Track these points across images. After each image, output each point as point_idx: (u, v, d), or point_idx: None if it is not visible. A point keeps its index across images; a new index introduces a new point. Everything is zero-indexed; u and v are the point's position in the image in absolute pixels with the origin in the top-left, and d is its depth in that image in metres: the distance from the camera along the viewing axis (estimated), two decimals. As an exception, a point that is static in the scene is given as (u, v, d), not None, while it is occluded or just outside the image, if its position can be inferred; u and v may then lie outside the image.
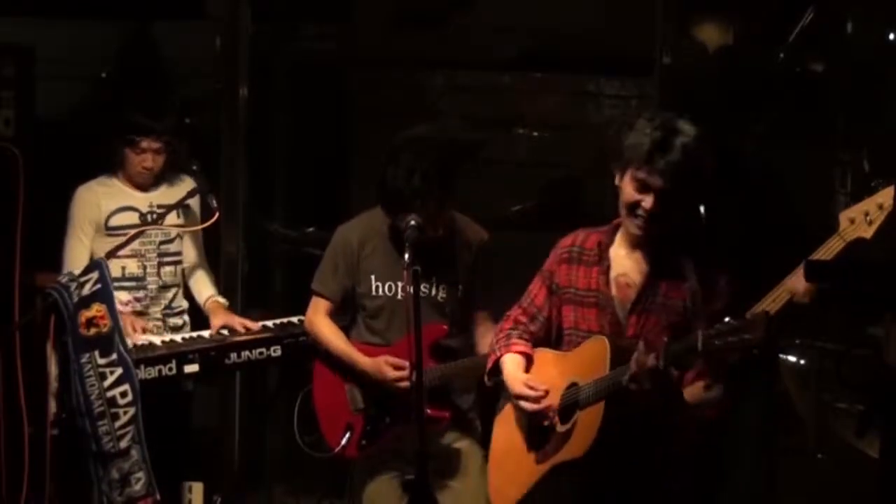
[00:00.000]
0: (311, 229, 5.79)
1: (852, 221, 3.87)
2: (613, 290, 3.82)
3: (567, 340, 3.90)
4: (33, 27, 6.04)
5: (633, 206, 3.73)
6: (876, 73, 6.16)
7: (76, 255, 4.80)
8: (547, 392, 3.83)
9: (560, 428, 3.80)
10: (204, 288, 5.12)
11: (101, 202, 4.88)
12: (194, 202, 5.05)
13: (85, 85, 6.40)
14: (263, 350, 4.85)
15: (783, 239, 4.36)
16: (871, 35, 6.22)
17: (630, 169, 3.70)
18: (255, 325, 4.97)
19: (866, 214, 3.84)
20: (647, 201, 3.69)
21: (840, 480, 5.40)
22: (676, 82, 6.11)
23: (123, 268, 4.87)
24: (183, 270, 5.09)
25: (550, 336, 3.98)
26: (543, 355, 3.96)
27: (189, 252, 5.09)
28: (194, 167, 4.98)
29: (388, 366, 4.35)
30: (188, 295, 5.15)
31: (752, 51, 6.22)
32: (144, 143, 4.86)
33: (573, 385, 3.79)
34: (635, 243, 3.83)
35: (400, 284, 4.37)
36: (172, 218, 4.97)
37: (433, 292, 4.39)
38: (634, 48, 6.52)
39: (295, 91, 6.63)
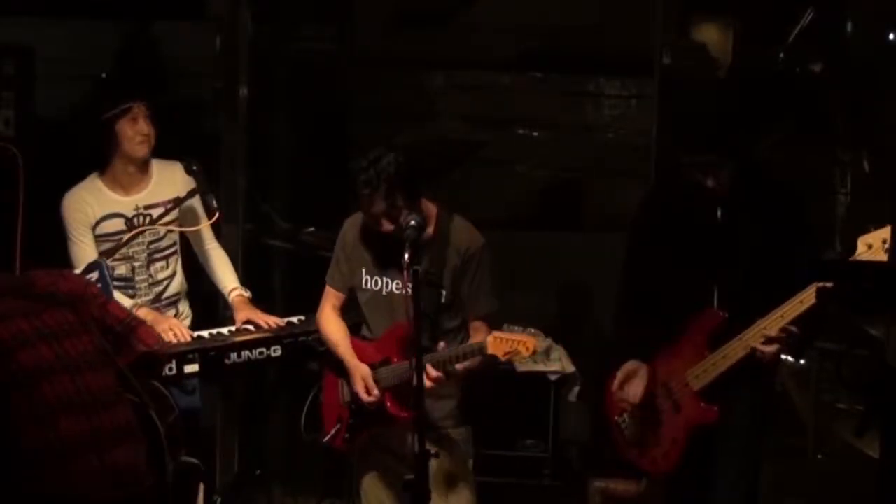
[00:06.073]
0: (310, 229, 5.78)
1: (870, 247, 3.75)
2: None
3: None
4: (33, 27, 6.04)
5: None
6: (876, 73, 6.17)
7: (85, 258, 4.77)
8: None
9: None
10: (225, 278, 5.09)
11: (90, 208, 4.87)
12: (194, 200, 5.01)
13: (85, 85, 6.39)
14: (263, 350, 4.83)
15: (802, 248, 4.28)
16: (870, 35, 6.23)
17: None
18: (281, 322, 4.96)
19: (884, 241, 3.70)
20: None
21: (840, 480, 5.40)
22: (676, 85, 6.12)
23: (112, 268, 4.85)
24: (190, 260, 5.08)
25: None
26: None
27: (197, 240, 5.08)
28: (194, 167, 4.95)
29: (361, 379, 4.32)
30: (201, 284, 5.15)
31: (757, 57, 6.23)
32: (135, 108, 4.84)
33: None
34: None
35: (385, 280, 4.36)
36: (168, 217, 4.95)
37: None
38: (634, 48, 6.53)
39: (295, 91, 6.63)
